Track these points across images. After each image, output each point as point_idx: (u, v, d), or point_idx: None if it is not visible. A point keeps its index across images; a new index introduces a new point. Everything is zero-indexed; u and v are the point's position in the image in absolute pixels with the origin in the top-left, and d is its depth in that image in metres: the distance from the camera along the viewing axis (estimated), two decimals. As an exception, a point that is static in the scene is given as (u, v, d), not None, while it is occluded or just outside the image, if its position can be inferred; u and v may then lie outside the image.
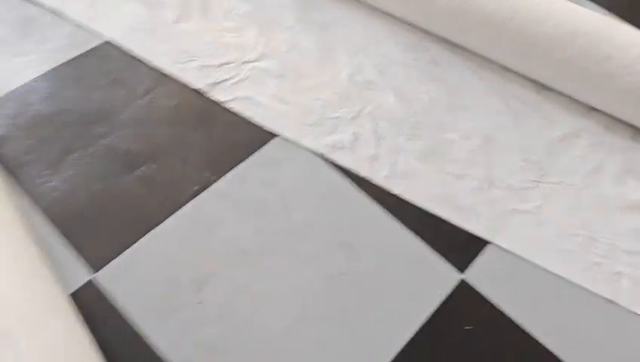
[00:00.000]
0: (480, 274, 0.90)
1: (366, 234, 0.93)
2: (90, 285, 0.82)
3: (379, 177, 0.99)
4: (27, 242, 0.76)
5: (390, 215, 0.95)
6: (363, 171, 1.00)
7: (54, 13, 1.16)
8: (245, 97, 1.07)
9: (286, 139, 1.02)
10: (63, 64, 1.07)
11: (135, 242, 0.87)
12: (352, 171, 1.00)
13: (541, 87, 1.17)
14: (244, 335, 0.81)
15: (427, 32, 1.25)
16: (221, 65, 1.11)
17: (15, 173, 0.93)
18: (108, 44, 1.11)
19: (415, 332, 0.83)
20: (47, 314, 0.67)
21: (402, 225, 0.94)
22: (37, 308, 0.67)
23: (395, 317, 0.84)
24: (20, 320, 0.64)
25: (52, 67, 1.06)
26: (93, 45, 1.10)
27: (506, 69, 1.19)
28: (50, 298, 0.71)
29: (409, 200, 0.97)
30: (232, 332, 0.81)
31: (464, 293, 0.88)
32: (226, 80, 1.09)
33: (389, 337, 0.82)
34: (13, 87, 1.02)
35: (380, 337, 0.82)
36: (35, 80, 1.04)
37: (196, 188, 0.94)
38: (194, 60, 1.11)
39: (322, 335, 0.82)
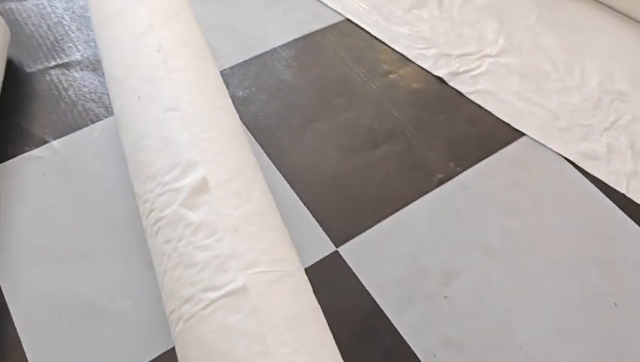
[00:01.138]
0: None
1: (628, 255, 0.82)
2: (334, 257, 0.79)
3: None
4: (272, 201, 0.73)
5: (655, 240, 0.84)
6: (621, 187, 0.89)
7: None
8: (487, 91, 1.00)
9: (533, 140, 0.94)
10: (306, 35, 1.07)
11: (379, 221, 0.83)
12: (608, 184, 0.90)
13: None
14: (494, 338, 0.73)
15: (686, 47, 1.11)
16: (460, 55, 1.06)
17: (255, 136, 0.93)
18: (348, 21, 1.10)
19: (694, 379, 0.71)
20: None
21: (670, 254, 0.82)
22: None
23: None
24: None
25: (295, 37, 1.06)
26: (334, 21, 1.09)
27: None
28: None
29: (677, 228, 0.85)
30: (482, 334, 0.73)
31: None
32: (466, 71, 1.03)
33: (662, 378, 0.71)
34: (258, 53, 1.04)
35: (651, 375, 0.71)
36: (279, 47, 1.04)
37: (440, 176, 0.88)
38: (432, 48, 1.07)
39: (582, 358, 0.72)
